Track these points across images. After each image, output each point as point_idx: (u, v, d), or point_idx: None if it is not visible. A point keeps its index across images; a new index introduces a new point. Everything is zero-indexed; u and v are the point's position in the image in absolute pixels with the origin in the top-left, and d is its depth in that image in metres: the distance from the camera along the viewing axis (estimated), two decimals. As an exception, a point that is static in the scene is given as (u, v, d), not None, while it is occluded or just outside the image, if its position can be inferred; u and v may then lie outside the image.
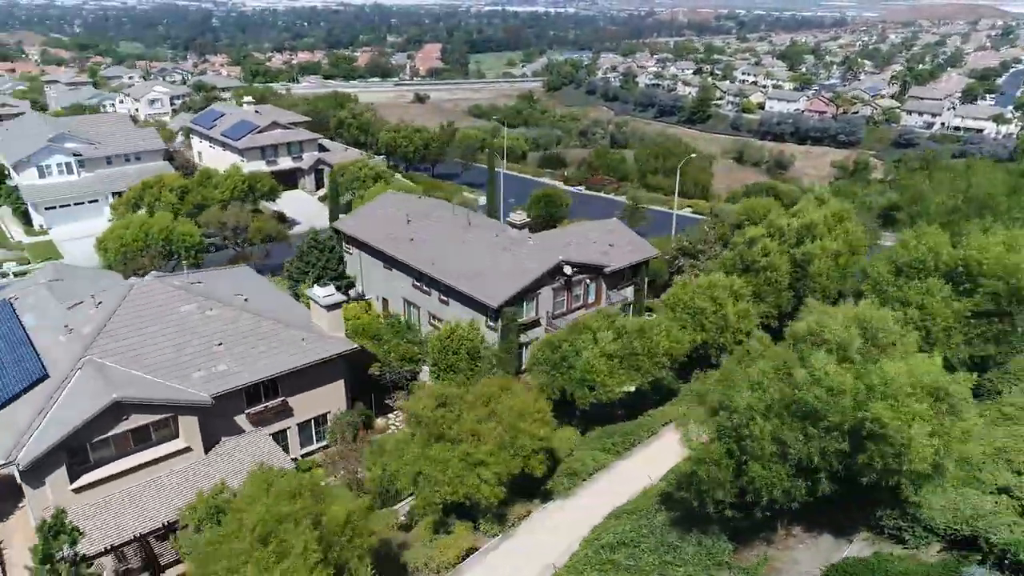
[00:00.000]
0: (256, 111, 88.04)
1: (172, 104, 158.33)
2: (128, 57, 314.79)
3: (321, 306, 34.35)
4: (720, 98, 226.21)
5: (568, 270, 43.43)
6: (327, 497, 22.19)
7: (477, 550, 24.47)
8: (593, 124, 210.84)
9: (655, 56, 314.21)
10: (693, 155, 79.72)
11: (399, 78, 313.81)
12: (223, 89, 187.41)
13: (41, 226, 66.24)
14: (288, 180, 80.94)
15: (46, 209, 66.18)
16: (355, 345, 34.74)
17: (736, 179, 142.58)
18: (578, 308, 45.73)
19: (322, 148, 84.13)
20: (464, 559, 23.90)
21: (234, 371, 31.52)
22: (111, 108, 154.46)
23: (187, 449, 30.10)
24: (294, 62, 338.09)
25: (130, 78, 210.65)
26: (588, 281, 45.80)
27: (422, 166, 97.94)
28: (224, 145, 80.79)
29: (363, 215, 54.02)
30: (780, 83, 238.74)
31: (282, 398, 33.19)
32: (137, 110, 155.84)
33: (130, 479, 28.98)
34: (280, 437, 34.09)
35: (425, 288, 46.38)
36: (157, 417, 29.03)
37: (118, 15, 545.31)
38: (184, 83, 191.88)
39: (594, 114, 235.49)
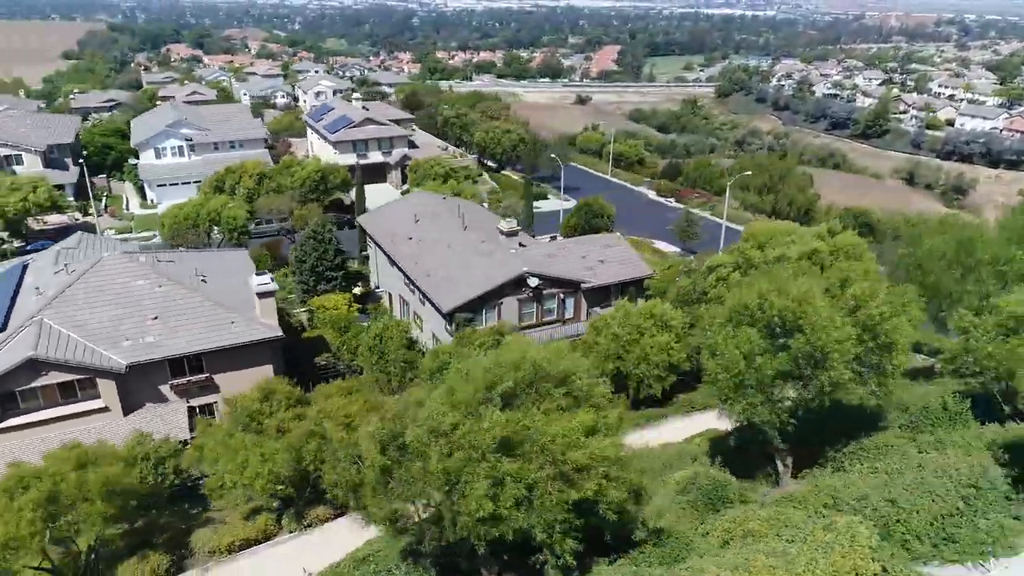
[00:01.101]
0: (364, 107, 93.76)
1: (334, 96, 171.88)
2: (328, 53, 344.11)
3: (254, 293, 36.71)
4: (903, 112, 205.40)
5: (533, 282, 42.60)
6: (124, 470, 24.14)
7: (260, 542, 25.34)
8: (751, 134, 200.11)
9: (841, 64, 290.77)
10: (748, 172, 73.27)
11: (568, 79, 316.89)
12: (388, 85, 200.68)
13: (152, 200, 75.53)
14: (377, 173, 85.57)
15: (157, 186, 75.34)
16: (278, 333, 36.67)
17: (902, 202, 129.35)
18: (552, 322, 44.76)
19: (412, 145, 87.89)
20: (243, 548, 24.88)
21: (158, 344, 34.66)
22: (280, 99, 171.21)
23: (105, 409, 33.64)
24: (474, 60, 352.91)
25: (315, 72, 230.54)
26: (563, 296, 44.59)
27: (520, 166, 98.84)
28: (325, 138, 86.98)
29: (385, 212, 56.22)
30: (980, 97, 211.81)
31: (207, 374, 35.93)
32: (304, 101, 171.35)
33: (51, 429, 32.90)
34: (208, 410, 36.92)
35: (411, 287, 47.58)
36: (76, 376, 32.76)
37: (333, 14, 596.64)
38: (351, 79, 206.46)
39: (759, 123, 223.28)
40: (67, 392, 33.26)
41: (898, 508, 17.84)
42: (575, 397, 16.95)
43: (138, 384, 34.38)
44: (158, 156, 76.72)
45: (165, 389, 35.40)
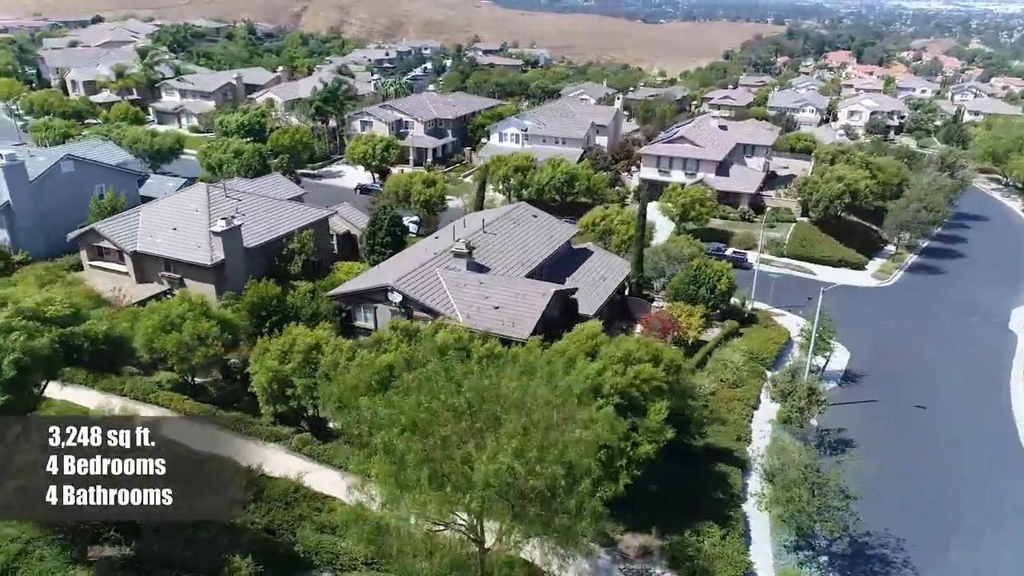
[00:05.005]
0: (721, 126, 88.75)
1: (871, 117, 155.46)
2: (1009, 72, 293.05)
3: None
4: None
5: (395, 297, 43.04)
6: None
7: None
8: None
9: None
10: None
11: None
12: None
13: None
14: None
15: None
16: (207, 262, 48.07)
17: None
18: (427, 345, 43.63)
19: (723, 172, 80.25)
20: None
21: (156, 244, 50.66)
22: (806, 113, 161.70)
23: (127, 274, 51.68)
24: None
25: (933, 92, 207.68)
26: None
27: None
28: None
29: (488, 212, 59.55)
30: None
31: (179, 276, 50.42)
32: (837, 119, 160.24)
33: (112, 276, 52.61)
34: (185, 302, 51.50)
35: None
36: (115, 248, 51.44)
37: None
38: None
39: None
40: (121, 257, 52.62)
41: None
42: None
43: (147, 266, 51.30)
44: (500, 139, 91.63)
45: (159, 276, 51.57)
